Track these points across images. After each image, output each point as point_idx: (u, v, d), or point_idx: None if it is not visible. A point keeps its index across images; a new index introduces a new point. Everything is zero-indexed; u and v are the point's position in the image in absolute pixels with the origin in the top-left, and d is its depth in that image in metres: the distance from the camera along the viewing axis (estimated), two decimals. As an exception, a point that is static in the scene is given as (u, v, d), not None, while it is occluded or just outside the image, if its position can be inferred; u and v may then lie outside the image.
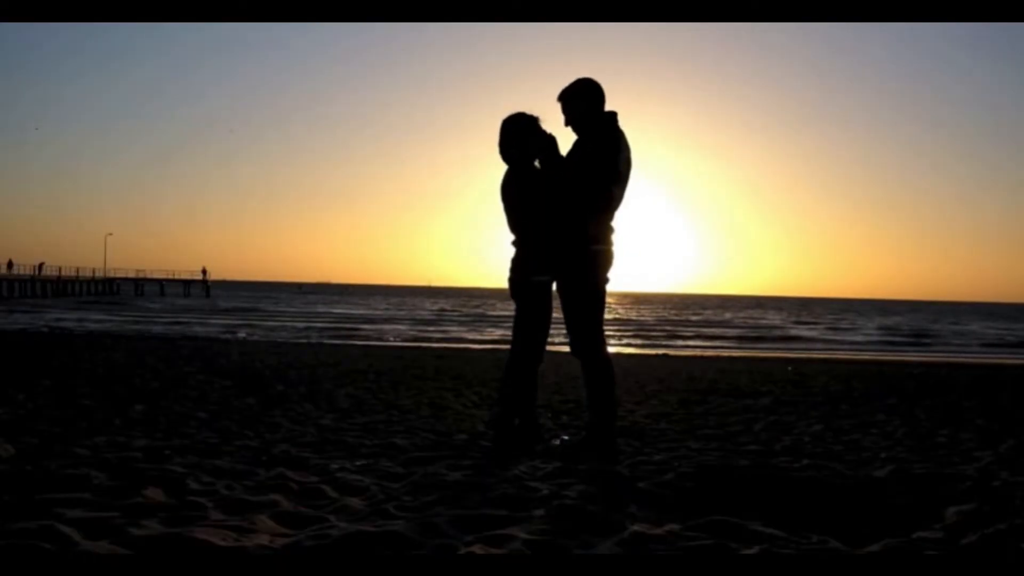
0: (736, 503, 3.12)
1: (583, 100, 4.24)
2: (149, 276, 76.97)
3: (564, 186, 4.18)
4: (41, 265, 60.78)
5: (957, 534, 2.64)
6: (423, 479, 3.41)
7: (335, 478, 3.46)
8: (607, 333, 4.43)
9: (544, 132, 4.28)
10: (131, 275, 75.69)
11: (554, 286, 4.37)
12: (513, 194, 4.27)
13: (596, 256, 4.17)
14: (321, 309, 51.57)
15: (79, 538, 2.35)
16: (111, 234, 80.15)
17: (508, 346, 4.48)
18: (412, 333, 30.45)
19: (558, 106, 4.31)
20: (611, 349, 4.43)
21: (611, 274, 4.26)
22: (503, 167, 4.36)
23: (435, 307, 61.86)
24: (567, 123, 4.29)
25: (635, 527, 2.65)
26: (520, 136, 4.26)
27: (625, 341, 29.09)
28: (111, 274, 74.48)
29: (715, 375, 10.65)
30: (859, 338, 34.88)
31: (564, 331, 4.33)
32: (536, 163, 4.30)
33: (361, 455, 4.12)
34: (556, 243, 4.26)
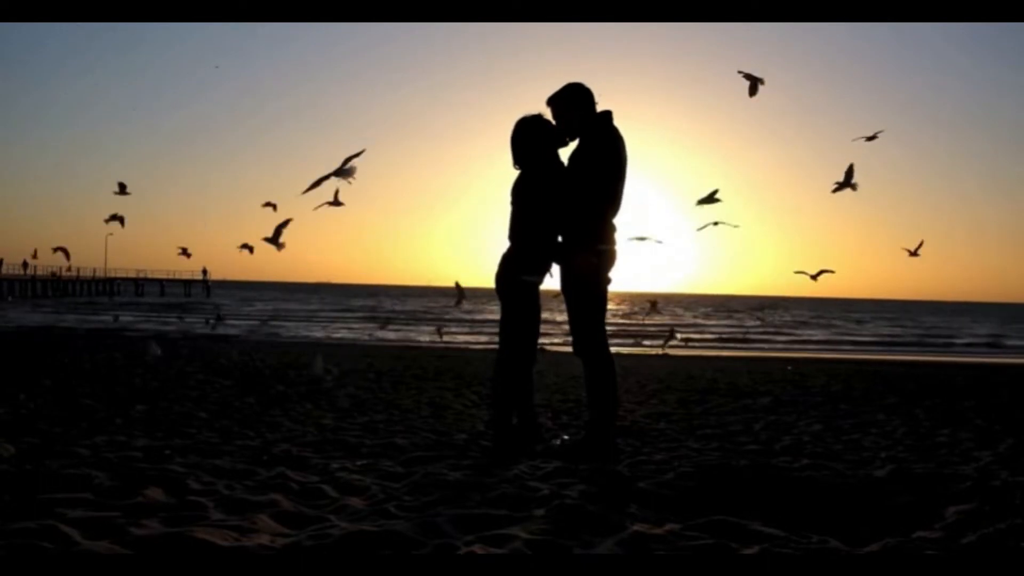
0: (736, 503, 3.12)
1: (569, 102, 4.24)
2: (149, 276, 76.68)
3: (567, 187, 4.19)
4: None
5: (957, 534, 2.64)
6: (423, 479, 3.42)
7: (335, 478, 3.47)
8: (609, 332, 4.43)
9: (551, 126, 4.29)
10: (131, 275, 75.56)
11: (543, 286, 4.37)
12: (521, 194, 4.27)
13: (600, 256, 4.16)
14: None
15: (80, 538, 2.36)
16: (112, 234, 79.81)
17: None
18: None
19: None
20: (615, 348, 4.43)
21: (611, 274, 4.26)
22: (503, 168, 4.36)
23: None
24: (561, 128, 4.28)
25: (635, 527, 2.66)
26: (530, 138, 4.26)
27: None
28: (111, 274, 74.23)
29: (714, 375, 10.65)
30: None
31: (554, 332, 4.33)
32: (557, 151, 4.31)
33: (361, 455, 4.13)
34: (559, 244, 4.26)
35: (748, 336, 31.76)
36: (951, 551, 2.46)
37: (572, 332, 4.31)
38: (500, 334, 4.42)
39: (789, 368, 12.84)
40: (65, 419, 4.96)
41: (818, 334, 35.49)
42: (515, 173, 4.34)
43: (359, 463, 3.86)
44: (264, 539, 2.48)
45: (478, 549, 2.37)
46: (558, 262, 4.30)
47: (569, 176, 4.22)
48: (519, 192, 4.28)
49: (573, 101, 4.25)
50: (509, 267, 4.30)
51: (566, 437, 4.57)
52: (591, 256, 4.12)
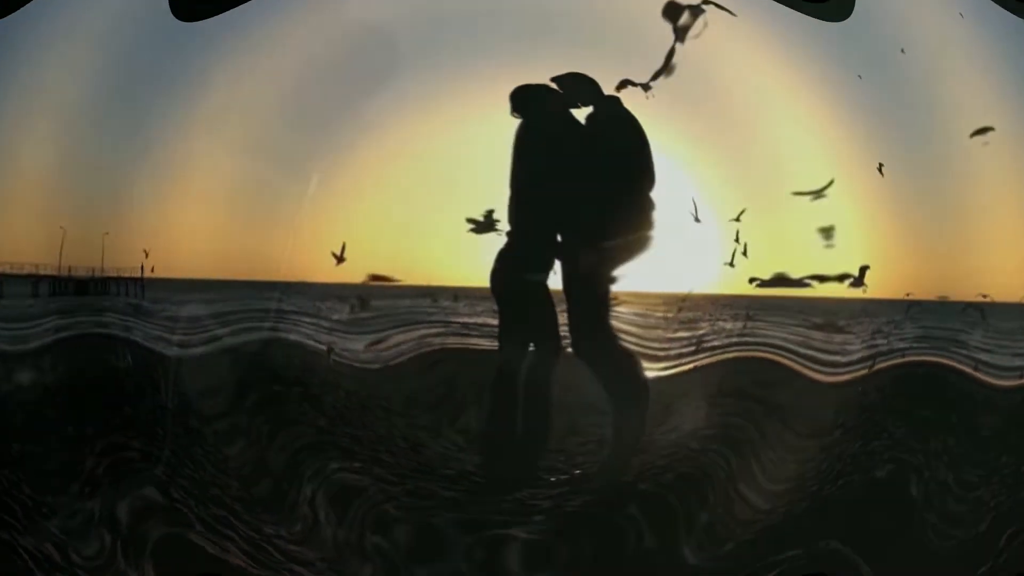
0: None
1: (572, 94, 4.16)
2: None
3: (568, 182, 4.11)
4: None
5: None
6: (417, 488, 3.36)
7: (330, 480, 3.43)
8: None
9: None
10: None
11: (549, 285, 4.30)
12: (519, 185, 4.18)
13: (603, 254, 4.07)
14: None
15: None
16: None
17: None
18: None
19: None
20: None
21: (616, 273, 4.18)
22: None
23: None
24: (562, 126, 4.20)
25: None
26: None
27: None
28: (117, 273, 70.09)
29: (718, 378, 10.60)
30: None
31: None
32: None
33: (357, 458, 4.08)
34: (561, 241, 4.19)
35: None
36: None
37: (573, 332, 4.25)
38: (501, 338, 4.32)
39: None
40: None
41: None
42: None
43: (355, 465, 3.81)
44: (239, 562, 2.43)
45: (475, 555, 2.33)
46: (560, 259, 4.21)
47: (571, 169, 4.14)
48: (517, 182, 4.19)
49: (574, 87, 4.14)
50: (512, 264, 4.21)
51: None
52: (593, 254, 4.06)
